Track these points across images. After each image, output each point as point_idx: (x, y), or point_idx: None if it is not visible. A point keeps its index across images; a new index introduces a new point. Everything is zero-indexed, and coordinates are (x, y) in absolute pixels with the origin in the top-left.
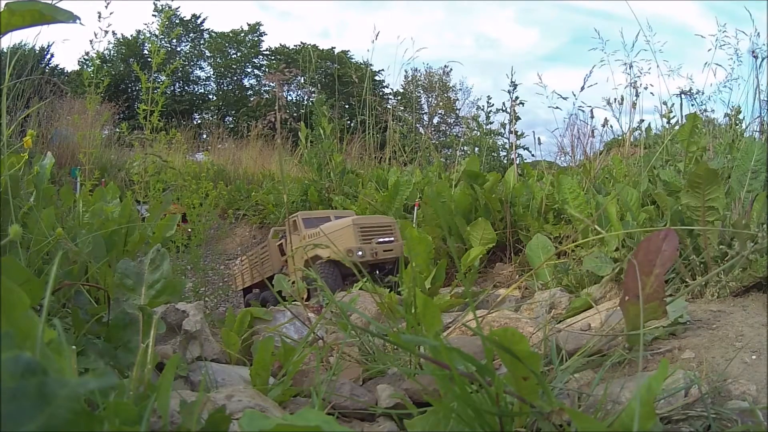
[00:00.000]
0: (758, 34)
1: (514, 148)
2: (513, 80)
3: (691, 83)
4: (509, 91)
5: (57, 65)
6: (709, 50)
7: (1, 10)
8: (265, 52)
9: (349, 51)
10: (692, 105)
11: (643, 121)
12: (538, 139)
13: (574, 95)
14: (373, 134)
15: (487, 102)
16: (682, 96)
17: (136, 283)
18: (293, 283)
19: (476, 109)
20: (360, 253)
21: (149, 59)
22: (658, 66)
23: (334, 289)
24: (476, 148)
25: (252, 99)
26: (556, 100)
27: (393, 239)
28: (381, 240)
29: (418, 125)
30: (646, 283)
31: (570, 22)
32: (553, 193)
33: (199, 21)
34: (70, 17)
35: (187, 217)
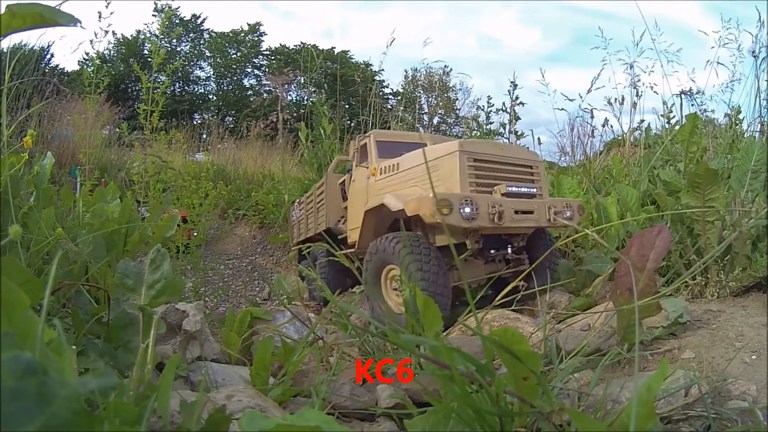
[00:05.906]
0: (761, 20)
1: None
2: (513, 80)
3: (692, 83)
4: (509, 91)
5: (57, 65)
6: (712, 48)
7: (2, 12)
8: (265, 52)
9: (349, 51)
10: (692, 105)
11: (644, 121)
12: (539, 139)
13: (581, 97)
14: None
15: (488, 102)
16: (682, 96)
17: (136, 283)
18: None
19: (476, 109)
20: (467, 209)
21: (149, 59)
22: (662, 66)
23: (441, 300)
24: None
25: (252, 99)
26: (561, 101)
27: (535, 189)
28: (513, 189)
29: (418, 125)
30: (639, 278)
31: (572, 22)
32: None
33: (199, 21)
34: (71, 20)
35: (187, 217)
